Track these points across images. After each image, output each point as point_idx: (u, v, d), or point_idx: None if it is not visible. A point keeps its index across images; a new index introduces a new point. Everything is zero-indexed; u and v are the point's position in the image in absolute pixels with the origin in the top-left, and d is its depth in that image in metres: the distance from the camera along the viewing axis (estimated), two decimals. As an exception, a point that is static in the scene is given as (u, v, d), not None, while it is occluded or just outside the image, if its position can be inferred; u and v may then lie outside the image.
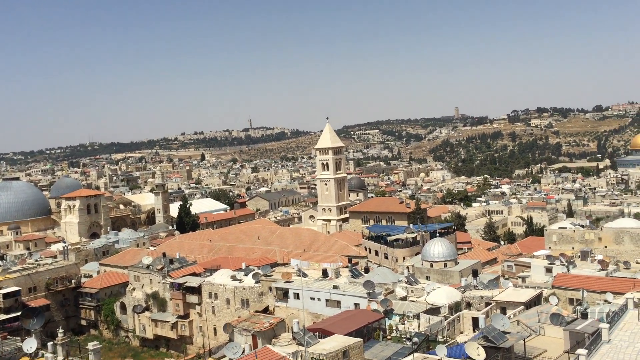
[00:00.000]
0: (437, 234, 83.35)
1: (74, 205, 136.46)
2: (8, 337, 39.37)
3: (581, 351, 28.13)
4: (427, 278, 66.84)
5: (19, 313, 75.76)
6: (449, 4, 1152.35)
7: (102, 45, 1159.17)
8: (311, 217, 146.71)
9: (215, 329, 71.37)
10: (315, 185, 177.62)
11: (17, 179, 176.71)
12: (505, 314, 45.69)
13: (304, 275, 67.32)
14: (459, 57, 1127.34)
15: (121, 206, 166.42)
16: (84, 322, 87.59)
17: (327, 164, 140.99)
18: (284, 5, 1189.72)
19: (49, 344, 35.27)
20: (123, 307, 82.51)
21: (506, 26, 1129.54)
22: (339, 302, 58.52)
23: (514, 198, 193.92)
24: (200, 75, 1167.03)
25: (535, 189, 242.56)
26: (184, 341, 75.11)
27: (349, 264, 73.33)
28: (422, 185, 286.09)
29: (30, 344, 35.22)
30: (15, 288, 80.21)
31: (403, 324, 47.05)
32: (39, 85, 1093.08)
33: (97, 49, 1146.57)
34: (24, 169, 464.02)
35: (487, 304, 50.11)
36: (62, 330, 36.09)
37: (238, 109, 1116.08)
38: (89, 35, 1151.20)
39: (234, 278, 72.15)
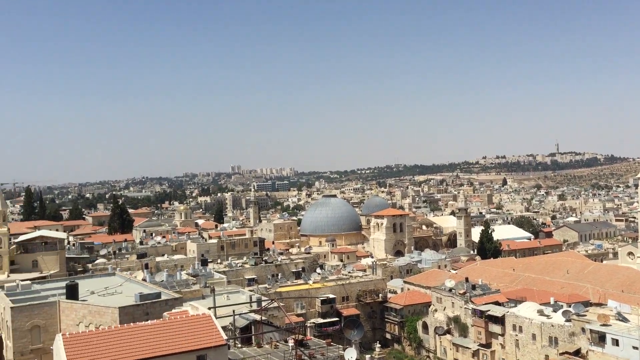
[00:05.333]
0: None
1: (382, 223, 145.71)
2: (332, 344, 43.26)
3: None
4: None
5: (335, 319, 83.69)
6: None
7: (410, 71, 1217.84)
8: (630, 253, 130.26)
9: (518, 364, 68.15)
10: (635, 218, 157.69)
11: (334, 196, 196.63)
12: None
13: (625, 320, 59.92)
14: None
15: (423, 227, 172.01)
16: (388, 336, 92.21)
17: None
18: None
19: (367, 356, 37.81)
20: (425, 327, 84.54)
21: None
22: (669, 357, 50.53)
23: None
24: (503, 97, 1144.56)
25: None
26: (484, 371, 73.44)
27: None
28: None
29: (350, 354, 38.26)
30: (331, 295, 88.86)
31: None
32: (353, 115, 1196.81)
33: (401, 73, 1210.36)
34: (338, 187, 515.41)
35: None
36: (379, 345, 38.29)
37: (544, 133, 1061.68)
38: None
39: (540, 313, 68.08)
